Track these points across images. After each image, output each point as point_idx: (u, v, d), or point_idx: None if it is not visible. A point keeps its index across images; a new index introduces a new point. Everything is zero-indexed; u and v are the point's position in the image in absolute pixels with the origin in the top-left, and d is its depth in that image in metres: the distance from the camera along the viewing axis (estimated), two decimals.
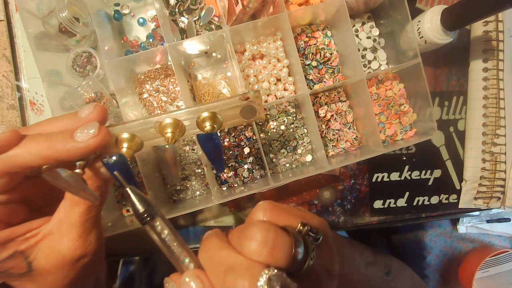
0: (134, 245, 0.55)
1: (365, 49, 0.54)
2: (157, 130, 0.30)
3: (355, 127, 0.54)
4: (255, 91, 0.31)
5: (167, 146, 0.29)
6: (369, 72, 0.53)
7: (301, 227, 0.23)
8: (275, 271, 0.19)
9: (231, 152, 0.52)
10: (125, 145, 0.29)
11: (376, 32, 0.54)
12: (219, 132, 0.51)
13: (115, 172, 0.26)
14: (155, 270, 0.73)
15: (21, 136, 0.25)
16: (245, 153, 0.52)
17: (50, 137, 0.25)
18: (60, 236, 0.28)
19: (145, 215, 0.23)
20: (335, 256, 0.25)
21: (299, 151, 0.53)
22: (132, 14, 0.53)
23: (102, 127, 0.26)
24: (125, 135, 0.29)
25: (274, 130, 0.53)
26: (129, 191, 0.24)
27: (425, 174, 0.57)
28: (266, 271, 0.19)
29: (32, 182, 0.29)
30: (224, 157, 0.51)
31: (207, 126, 0.30)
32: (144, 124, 0.29)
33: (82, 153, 0.25)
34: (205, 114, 0.30)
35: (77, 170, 0.27)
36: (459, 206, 0.57)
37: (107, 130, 0.27)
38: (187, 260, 0.23)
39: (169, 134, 0.30)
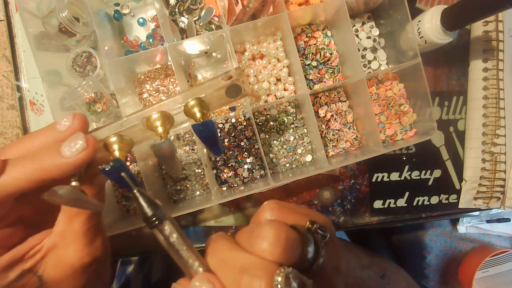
0: (133, 245, 0.55)
1: (365, 49, 0.54)
2: (145, 126, 0.29)
3: (355, 127, 0.54)
4: (236, 68, 0.29)
5: (161, 140, 0.28)
6: (369, 72, 0.53)
7: (309, 225, 0.23)
8: (291, 269, 0.19)
9: (231, 152, 0.52)
10: (115, 147, 0.27)
11: (376, 32, 0.54)
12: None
13: (122, 174, 0.24)
14: (151, 270, 0.72)
15: (3, 162, 0.23)
16: (245, 153, 0.52)
17: (36, 158, 0.23)
18: (65, 247, 0.28)
19: (154, 218, 0.22)
20: (340, 253, 0.25)
21: (299, 151, 0.53)
22: (132, 14, 0.53)
23: (90, 137, 0.24)
24: (113, 138, 0.27)
25: (274, 130, 0.53)
26: (137, 194, 0.23)
27: (425, 174, 0.57)
28: (282, 270, 0.19)
29: (23, 200, 0.28)
30: (224, 157, 0.52)
31: (197, 113, 0.29)
32: (127, 123, 0.28)
33: (74, 169, 0.24)
34: (192, 102, 0.29)
35: (73, 183, 0.25)
36: (459, 206, 0.57)
37: (95, 138, 0.25)
38: (196, 264, 0.22)
39: (160, 129, 0.28)
